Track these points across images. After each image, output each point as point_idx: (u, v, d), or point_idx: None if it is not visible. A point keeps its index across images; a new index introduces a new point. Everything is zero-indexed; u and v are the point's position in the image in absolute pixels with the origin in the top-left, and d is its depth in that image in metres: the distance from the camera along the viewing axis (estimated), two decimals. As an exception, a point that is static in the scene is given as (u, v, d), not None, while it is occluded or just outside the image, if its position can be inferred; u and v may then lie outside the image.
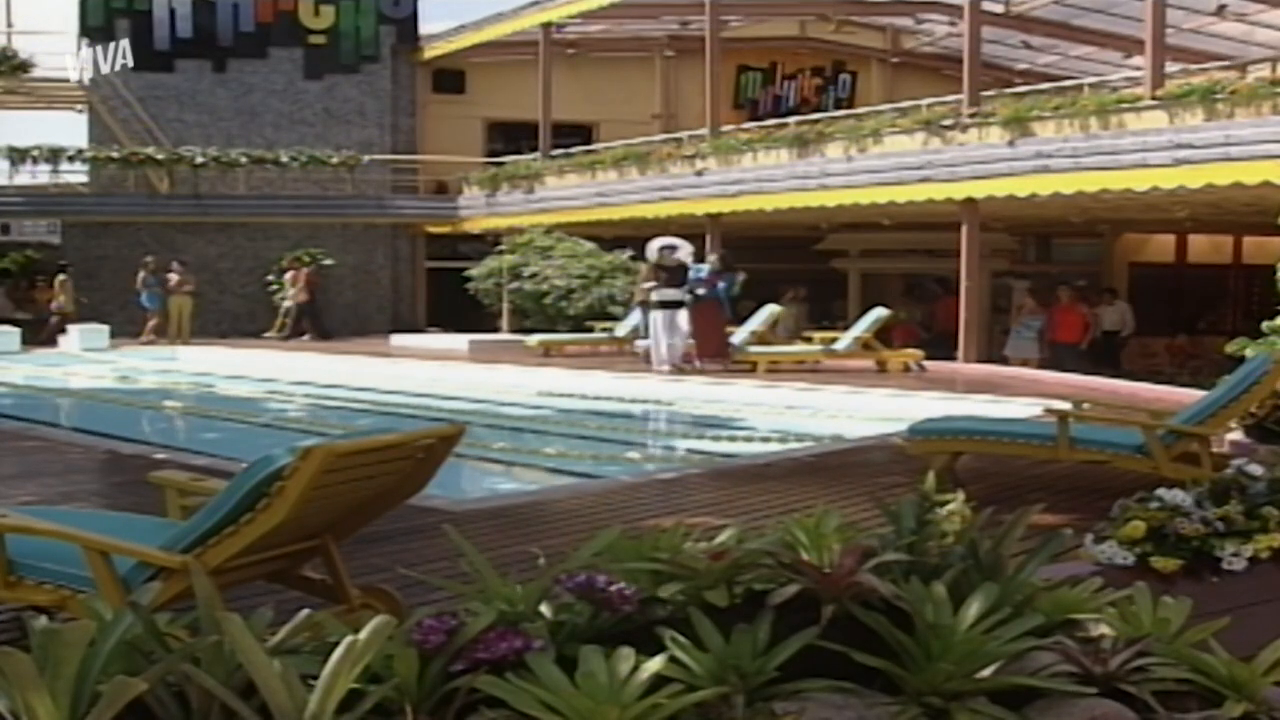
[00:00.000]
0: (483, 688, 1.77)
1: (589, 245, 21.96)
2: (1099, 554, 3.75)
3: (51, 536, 3.51)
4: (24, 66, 25.34)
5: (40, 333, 21.97)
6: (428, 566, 4.72)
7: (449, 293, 25.31)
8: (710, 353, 15.28)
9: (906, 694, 1.88)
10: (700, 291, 15.26)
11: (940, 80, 25.17)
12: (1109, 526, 3.92)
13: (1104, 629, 2.16)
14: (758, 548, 2.20)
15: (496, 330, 22.83)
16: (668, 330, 14.97)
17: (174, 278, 22.15)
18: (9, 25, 26.23)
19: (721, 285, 15.60)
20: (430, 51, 26.77)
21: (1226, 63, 16.71)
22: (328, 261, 25.61)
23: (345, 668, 1.71)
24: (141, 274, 22.37)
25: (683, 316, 15.08)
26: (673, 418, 12.89)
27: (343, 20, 26.42)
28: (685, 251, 15.58)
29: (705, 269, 15.61)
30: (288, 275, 23.69)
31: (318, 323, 23.64)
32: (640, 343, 16.12)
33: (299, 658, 1.84)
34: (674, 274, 15.15)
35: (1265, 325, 8.94)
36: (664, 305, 14.96)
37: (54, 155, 25.00)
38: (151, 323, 22.30)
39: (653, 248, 15.62)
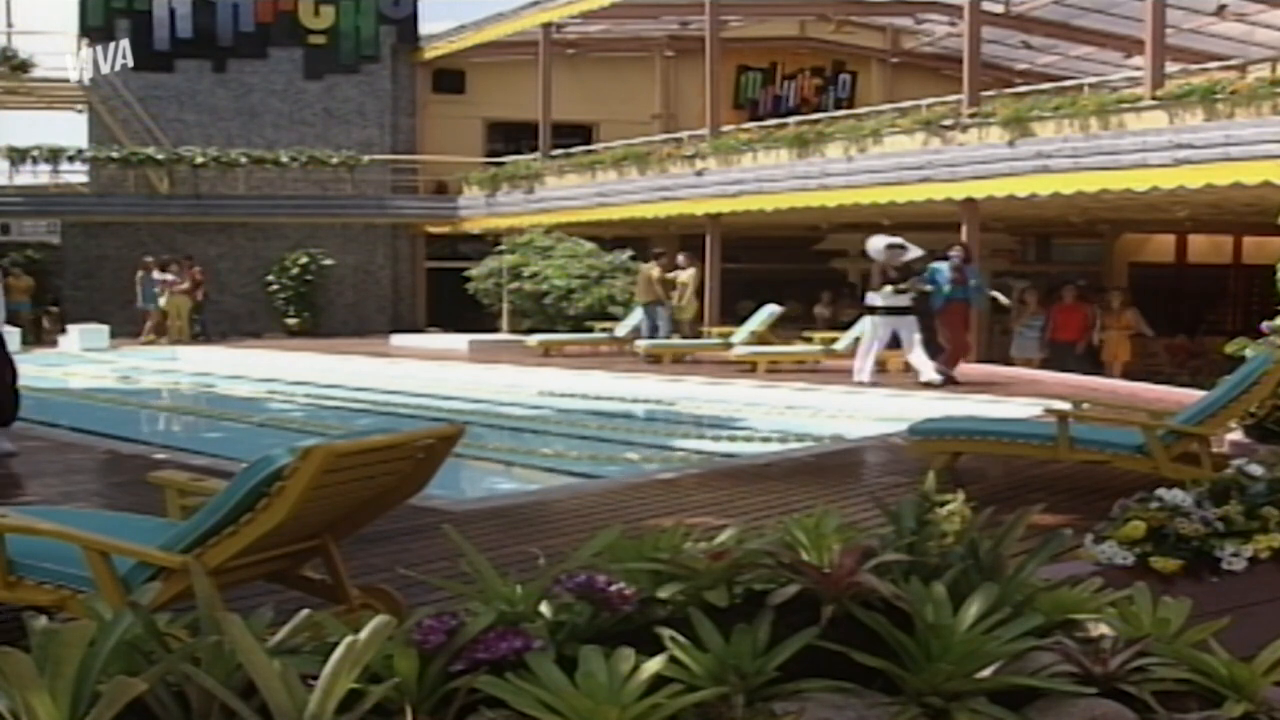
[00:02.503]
0: (483, 688, 1.77)
1: (589, 245, 21.97)
2: (1099, 554, 3.75)
3: (51, 536, 3.51)
4: (24, 66, 25.35)
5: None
6: (428, 566, 4.72)
7: (449, 293, 25.32)
8: (962, 359, 13.54)
9: (906, 694, 1.88)
10: (942, 290, 13.29)
11: (940, 80, 25.18)
12: (1109, 526, 3.92)
13: (1104, 629, 2.16)
14: (758, 548, 2.19)
15: (496, 330, 22.83)
16: (881, 340, 13.20)
17: (170, 278, 22.09)
18: (9, 25, 26.24)
19: (972, 284, 13.55)
20: (430, 51, 26.78)
21: (1226, 63, 16.71)
22: (328, 261, 25.63)
23: (345, 668, 1.71)
24: (140, 273, 22.35)
25: (911, 323, 13.20)
26: (673, 418, 12.89)
27: (343, 20, 26.42)
28: (915, 252, 13.43)
29: (945, 267, 13.33)
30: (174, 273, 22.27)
31: (203, 324, 22.80)
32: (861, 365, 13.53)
33: (299, 658, 1.84)
34: (902, 275, 13.20)
35: (1265, 325, 8.93)
36: (891, 311, 13.10)
37: (54, 155, 25.02)
38: (149, 322, 22.28)
39: (876, 246, 13.42)
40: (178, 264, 22.48)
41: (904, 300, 13.05)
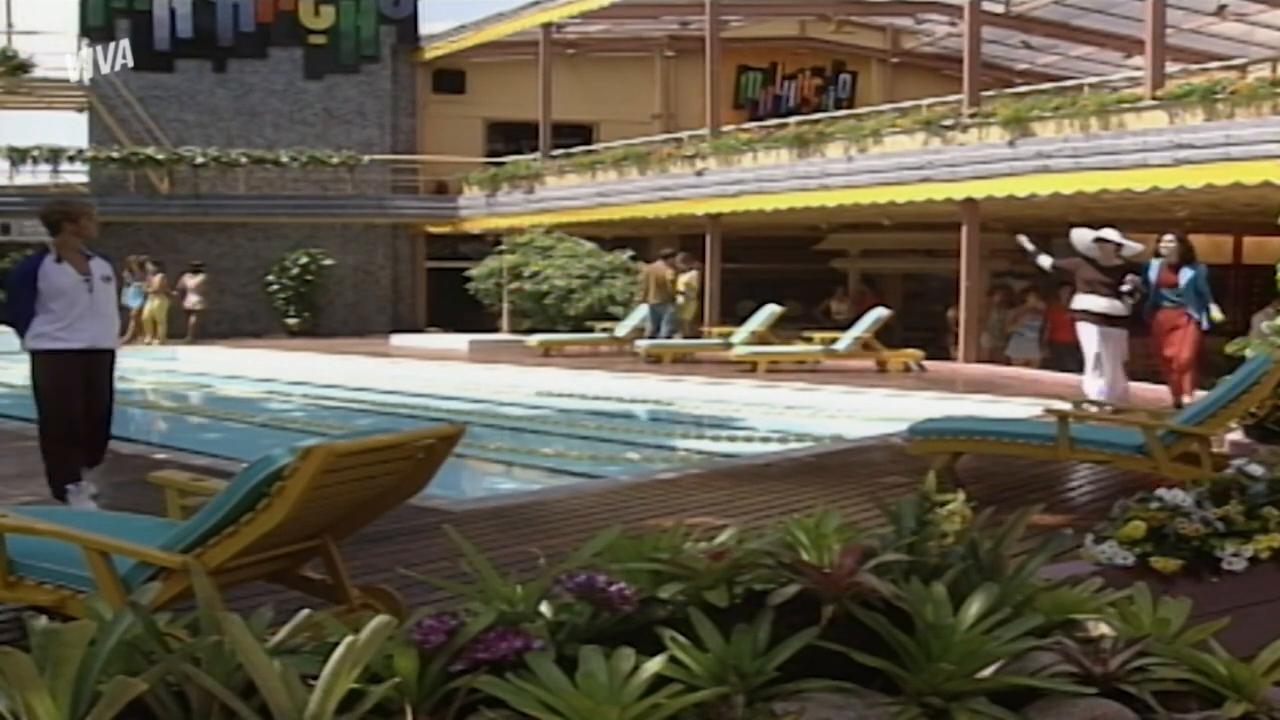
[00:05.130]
0: (483, 688, 1.77)
1: (589, 245, 21.97)
2: (1099, 554, 3.75)
3: (52, 536, 3.51)
4: (24, 66, 25.34)
5: None
6: (428, 566, 4.72)
7: (449, 293, 25.32)
8: (1189, 384, 10.47)
9: (906, 694, 1.88)
10: (1164, 297, 10.47)
11: (940, 80, 25.17)
12: (1109, 526, 3.92)
13: (1104, 629, 2.16)
14: (758, 548, 2.19)
15: (496, 330, 22.83)
16: (1110, 358, 10.36)
17: (156, 280, 22.01)
18: (9, 25, 26.24)
19: (1184, 285, 10.45)
20: (430, 52, 26.78)
21: (1226, 63, 16.71)
22: (328, 261, 25.62)
23: (345, 668, 1.71)
24: (124, 273, 22.33)
25: (1114, 337, 10.39)
26: (673, 418, 12.89)
27: (343, 20, 26.41)
28: (1132, 249, 10.70)
29: (1155, 265, 10.68)
30: (159, 278, 21.98)
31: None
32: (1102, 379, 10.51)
33: (299, 658, 1.84)
34: (1113, 277, 10.41)
35: (1265, 325, 8.93)
36: (1104, 320, 10.37)
37: (54, 155, 24.99)
38: (132, 323, 22.26)
39: (1083, 240, 10.74)
40: (156, 265, 22.49)
41: (1106, 306, 10.34)
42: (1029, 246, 11.11)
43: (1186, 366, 10.44)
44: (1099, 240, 10.56)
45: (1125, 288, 10.30)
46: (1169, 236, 10.68)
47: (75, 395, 6.15)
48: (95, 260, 6.24)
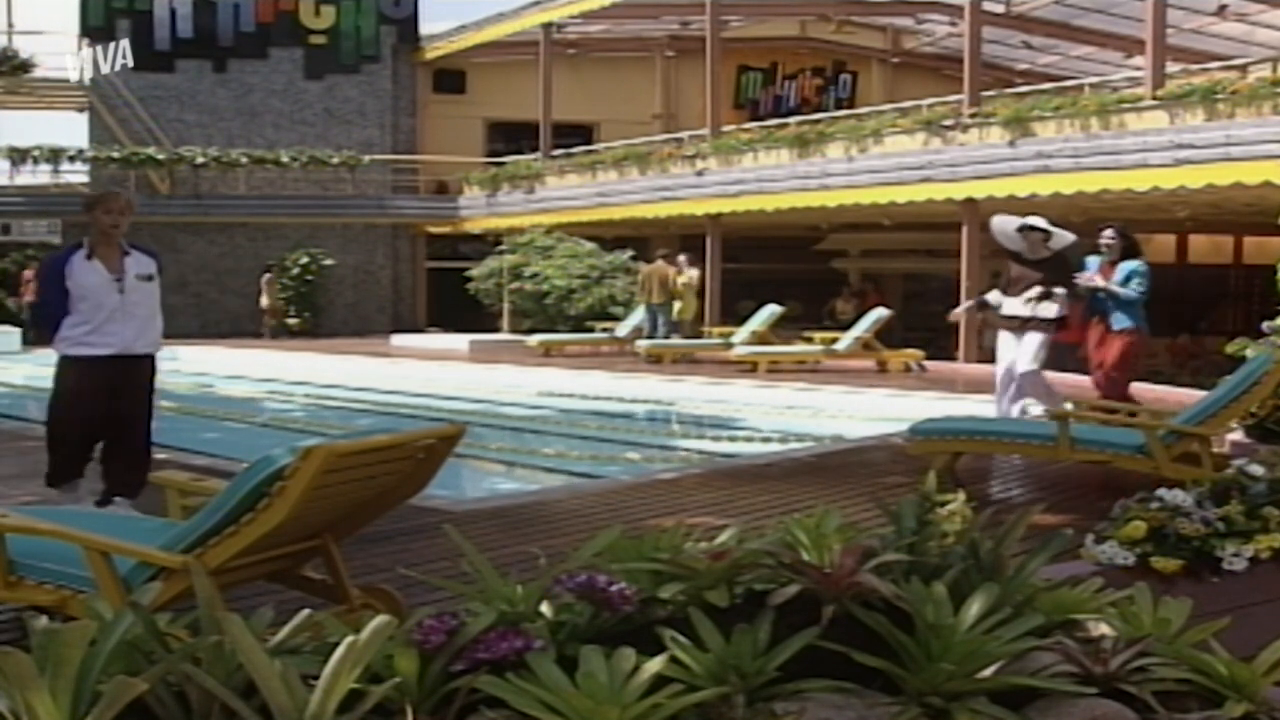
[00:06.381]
0: (483, 688, 1.77)
1: (589, 245, 21.97)
2: (1099, 554, 3.75)
3: (52, 536, 3.51)
4: (24, 66, 25.35)
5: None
6: (428, 566, 4.72)
7: (449, 293, 25.33)
8: (1117, 393, 8.76)
9: (907, 694, 1.88)
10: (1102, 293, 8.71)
11: (941, 80, 25.18)
12: (1109, 526, 3.93)
13: (1104, 629, 2.16)
14: (758, 548, 2.19)
15: (497, 330, 22.84)
16: (1008, 361, 8.91)
17: None
18: (9, 25, 26.24)
19: (1131, 288, 8.60)
20: (431, 52, 26.79)
21: (1227, 63, 16.71)
22: (328, 261, 25.63)
23: (346, 668, 1.71)
24: None
25: (1033, 344, 8.77)
26: (673, 418, 12.89)
27: (343, 20, 26.43)
28: (1062, 239, 8.90)
29: (1094, 262, 8.88)
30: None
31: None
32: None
33: (299, 658, 1.84)
34: (1039, 273, 8.78)
35: (1266, 325, 8.92)
36: (1025, 325, 8.79)
37: (54, 155, 25.00)
38: None
39: (1005, 229, 9.10)
40: None
41: (1028, 309, 8.78)
42: (974, 300, 10.27)
43: (1113, 375, 8.84)
44: (1024, 229, 8.90)
45: (1059, 291, 8.70)
46: (1109, 231, 8.88)
47: (91, 403, 5.74)
48: (133, 256, 5.74)
